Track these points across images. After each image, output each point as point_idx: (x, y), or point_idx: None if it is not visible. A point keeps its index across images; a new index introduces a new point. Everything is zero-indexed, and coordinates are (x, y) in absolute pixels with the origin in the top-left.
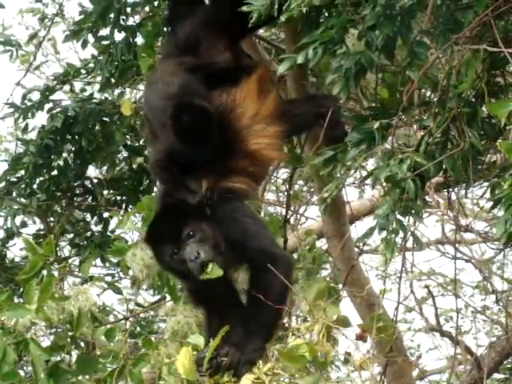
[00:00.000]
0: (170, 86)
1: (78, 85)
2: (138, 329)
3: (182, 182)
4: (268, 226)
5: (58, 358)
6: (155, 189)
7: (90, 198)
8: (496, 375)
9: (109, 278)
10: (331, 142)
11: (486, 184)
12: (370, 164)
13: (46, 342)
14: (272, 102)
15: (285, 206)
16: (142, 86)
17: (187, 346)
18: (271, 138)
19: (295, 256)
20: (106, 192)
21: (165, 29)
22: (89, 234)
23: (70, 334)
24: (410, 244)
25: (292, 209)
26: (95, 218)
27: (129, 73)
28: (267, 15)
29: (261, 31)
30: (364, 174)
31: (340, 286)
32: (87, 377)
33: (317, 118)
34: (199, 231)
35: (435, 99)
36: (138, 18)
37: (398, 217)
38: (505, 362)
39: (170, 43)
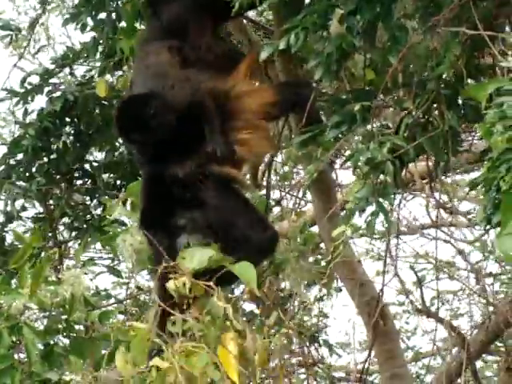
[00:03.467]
0: (149, 70)
1: (76, 67)
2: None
3: (168, 163)
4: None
5: (53, 342)
6: None
7: (90, 181)
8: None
9: (108, 262)
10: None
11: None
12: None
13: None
14: (264, 89)
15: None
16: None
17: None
18: (263, 126)
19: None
20: (105, 176)
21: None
22: (88, 217)
23: (64, 317)
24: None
25: (290, 192)
26: (94, 201)
27: (115, 56)
28: (249, 4)
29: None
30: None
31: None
32: (82, 360)
33: (293, 106)
34: (191, 222)
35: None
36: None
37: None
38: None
39: (153, 26)
